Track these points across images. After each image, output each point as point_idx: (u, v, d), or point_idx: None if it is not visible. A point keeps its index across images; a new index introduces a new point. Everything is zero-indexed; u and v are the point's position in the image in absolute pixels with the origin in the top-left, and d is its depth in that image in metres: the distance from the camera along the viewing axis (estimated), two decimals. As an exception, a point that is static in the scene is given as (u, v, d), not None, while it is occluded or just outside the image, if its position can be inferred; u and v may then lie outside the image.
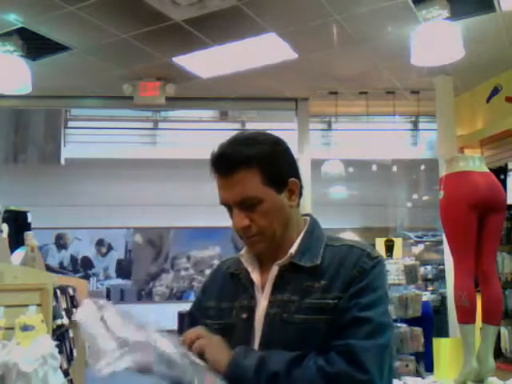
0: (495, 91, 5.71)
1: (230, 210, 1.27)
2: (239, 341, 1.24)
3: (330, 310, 1.20)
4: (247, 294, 1.30)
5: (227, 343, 1.22)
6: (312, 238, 1.31)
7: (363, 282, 1.21)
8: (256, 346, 1.24)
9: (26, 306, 2.81)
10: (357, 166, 9.13)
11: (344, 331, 1.16)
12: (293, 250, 1.27)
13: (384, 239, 6.12)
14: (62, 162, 9.87)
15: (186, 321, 1.44)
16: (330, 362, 1.12)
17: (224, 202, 1.26)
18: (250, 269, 1.32)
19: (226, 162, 1.21)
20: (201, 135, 9.63)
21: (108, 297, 11.43)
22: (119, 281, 11.55)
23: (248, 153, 1.22)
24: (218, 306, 1.33)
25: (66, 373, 3.31)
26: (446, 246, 4.89)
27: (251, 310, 1.27)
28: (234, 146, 1.23)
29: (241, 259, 1.34)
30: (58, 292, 3.55)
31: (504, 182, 4.90)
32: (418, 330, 5.22)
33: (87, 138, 9.73)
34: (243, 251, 1.36)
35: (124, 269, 11.61)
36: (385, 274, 1.28)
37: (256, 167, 1.22)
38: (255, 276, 1.31)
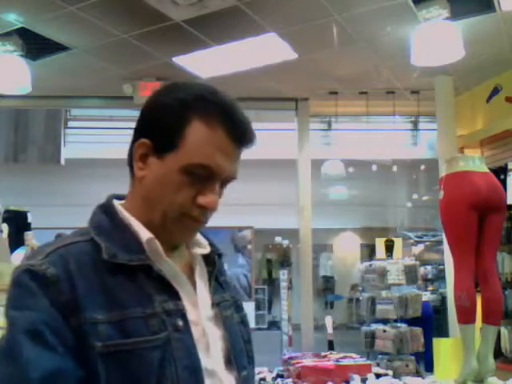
0: (495, 91, 5.71)
1: (205, 179, 1.00)
2: (184, 358, 0.94)
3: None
4: (166, 294, 0.97)
5: (161, 364, 0.91)
6: None
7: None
8: (218, 357, 1.01)
9: (26, 305, 2.80)
10: (357, 165, 9.13)
11: None
12: (202, 239, 1.11)
13: (384, 239, 6.12)
14: (62, 162, 9.86)
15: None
16: None
17: (219, 171, 1.00)
18: (161, 261, 0.99)
19: (252, 137, 1.04)
20: (201, 135, 9.59)
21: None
22: (119, 281, 11.53)
23: None
24: (115, 318, 0.91)
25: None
26: (445, 246, 4.89)
27: (183, 315, 0.97)
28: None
29: (144, 247, 0.98)
30: (58, 292, 3.55)
31: (504, 182, 4.90)
32: (418, 329, 5.23)
33: (87, 138, 9.72)
34: (149, 237, 0.99)
35: (124, 269, 11.57)
36: None
37: None
38: (178, 270, 1.01)
